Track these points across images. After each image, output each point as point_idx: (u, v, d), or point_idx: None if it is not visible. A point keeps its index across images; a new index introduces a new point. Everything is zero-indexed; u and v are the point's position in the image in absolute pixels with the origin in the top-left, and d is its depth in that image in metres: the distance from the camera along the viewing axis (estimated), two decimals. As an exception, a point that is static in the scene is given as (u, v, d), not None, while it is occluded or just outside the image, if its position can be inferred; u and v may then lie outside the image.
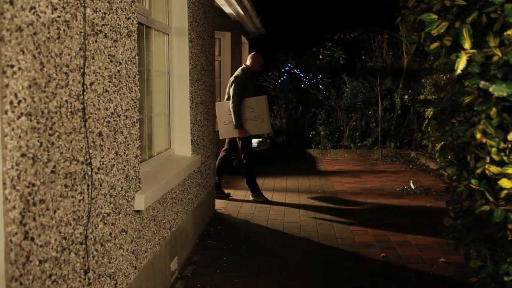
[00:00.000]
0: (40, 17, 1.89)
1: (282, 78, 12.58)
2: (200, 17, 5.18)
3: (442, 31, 2.01)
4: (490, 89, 1.79)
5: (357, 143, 11.70)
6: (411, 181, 8.01)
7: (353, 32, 12.89)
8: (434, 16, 2.03)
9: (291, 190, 7.74)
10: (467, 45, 1.88)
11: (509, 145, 1.85)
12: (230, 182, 8.24)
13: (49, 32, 1.96)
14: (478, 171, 1.97)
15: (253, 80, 6.85)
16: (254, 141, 7.88)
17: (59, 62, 2.05)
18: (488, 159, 1.92)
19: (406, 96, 11.60)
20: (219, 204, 6.64)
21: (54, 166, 2.02)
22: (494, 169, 1.87)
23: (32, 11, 1.84)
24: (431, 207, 6.51)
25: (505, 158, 1.85)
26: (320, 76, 12.49)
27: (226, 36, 9.59)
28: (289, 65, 12.67)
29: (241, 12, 9.14)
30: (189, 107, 4.70)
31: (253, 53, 6.94)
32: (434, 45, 2.09)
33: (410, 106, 11.60)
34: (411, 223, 5.72)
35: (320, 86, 12.42)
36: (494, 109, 1.87)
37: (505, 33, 1.77)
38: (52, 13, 1.99)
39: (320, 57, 12.45)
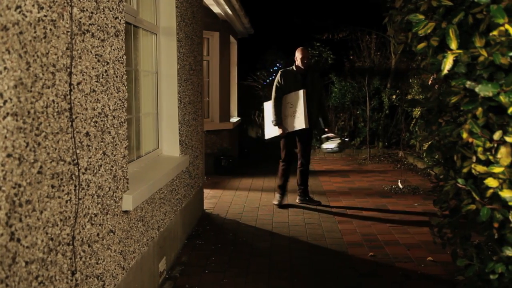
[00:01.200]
0: (26, 16, 1.87)
1: (270, 78, 12.58)
2: (189, 17, 5.17)
3: (429, 31, 2.02)
4: (476, 89, 1.80)
5: (346, 143, 11.72)
6: (399, 181, 8.06)
7: (341, 32, 12.93)
8: (421, 17, 2.04)
9: (279, 190, 7.73)
10: (453, 45, 1.89)
11: (495, 145, 1.86)
12: (219, 182, 8.23)
13: (35, 32, 1.95)
14: (465, 170, 1.99)
15: (297, 77, 6.40)
16: (329, 146, 6.88)
17: (45, 61, 2.03)
18: (474, 158, 1.93)
19: (394, 96, 11.65)
20: (208, 204, 6.63)
21: (41, 167, 2.01)
22: (480, 168, 1.89)
23: (18, 10, 1.82)
24: (419, 206, 6.55)
25: (491, 157, 1.87)
26: (309, 76, 12.48)
27: (215, 36, 9.57)
28: (278, 65, 12.68)
29: (230, 12, 9.13)
30: (177, 107, 4.68)
31: (298, 48, 6.60)
32: (421, 45, 2.11)
33: (398, 106, 11.65)
34: (399, 223, 5.75)
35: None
36: (480, 109, 1.88)
37: (490, 34, 1.79)
38: (38, 12, 1.97)
39: (309, 57, 12.45)
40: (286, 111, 6.37)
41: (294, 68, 6.47)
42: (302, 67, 6.40)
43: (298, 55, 6.47)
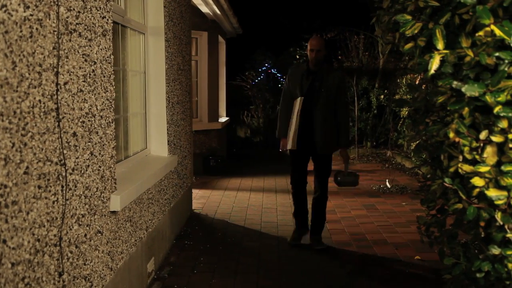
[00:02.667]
0: (11, 16, 1.86)
1: (259, 78, 12.59)
2: (177, 17, 5.16)
3: (416, 31, 2.03)
4: (463, 89, 1.82)
5: (334, 143, 11.75)
6: (387, 180, 8.10)
7: (329, 32, 12.96)
8: (408, 17, 2.05)
9: (268, 190, 7.74)
10: (440, 45, 1.91)
11: (481, 144, 1.88)
12: (207, 182, 8.22)
13: (21, 31, 1.93)
14: (452, 169, 2.00)
15: (304, 77, 4.84)
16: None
17: (32, 61, 2.02)
18: (461, 158, 1.95)
19: (382, 96, 11.71)
20: (196, 204, 6.62)
21: (27, 167, 1.99)
22: (466, 167, 1.90)
23: (4, 9, 1.80)
24: (407, 206, 6.59)
25: (477, 157, 1.88)
26: (297, 76, 12.51)
27: (203, 36, 9.55)
28: (266, 65, 12.69)
29: (218, 11, 9.12)
30: (165, 107, 4.67)
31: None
32: (409, 45, 2.12)
33: (386, 105, 11.72)
34: (387, 222, 5.78)
35: (297, 86, 12.44)
36: (466, 109, 1.89)
37: (476, 34, 1.80)
38: (25, 12, 1.95)
39: (297, 57, 12.50)
40: (289, 122, 4.95)
41: (306, 65, 4.90)
42: (313, 64, 4.81)
43: (308, 45, 4.88)
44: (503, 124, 1.81)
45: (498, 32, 1.73)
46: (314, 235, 4.97)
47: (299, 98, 4.81)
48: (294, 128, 4.85)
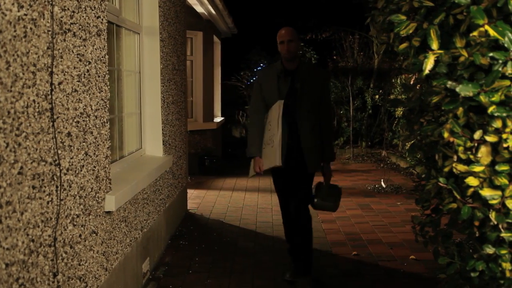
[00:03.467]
0: (5, 15, 1.85)
1: (254, 78, 12.58)
2: (172, 16, 5.15)
3: (410, 32, 2.04)
4: (457, 89, 1.82)
5: (329, 143, 11.77)
6: (382, 180, 8.11)
7: (324, 32, 12.98)
8: (403, 17, 2.06)
9: (263, 189, 7.75)
10: (434, 45, 1.91)
11: (475, 144, 1.88)
12: (202, 182, 8.21)
13: (15, 31, 1.92)
14: (446, 169, 2.01)
15: (280, 78, 3.92)
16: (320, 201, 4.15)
17: (26, 61, 2.01)
18: (455, 157, 1.95)
19: (377, 96, 11.73)
20: (191, 204, 6.61)
21: (21, 167, 1.98)
22: (461, 167, 1.91)
23: (-2, 8, 1.80)
24: (402, 205, 6.60)
25: (471, 156, 1.89)
26: (292, 76, 12.53)
27: (198, 36, 9.54)
28: (262, 64, 12.68)
29: (213, 11, 9.11)
30: (160, 107, 4.66)
31: None
32: (403, 45, 2.12)
33: (381, 105, 11.74)
34: (382, 222, 5.79)
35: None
36: (461, 109, 1.90)
37: (471, 34, 1.80)
38: (19, 11, 1.94)
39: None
40: (266, 135, 3.98)
41: (280, 64, 3.97)
42: (287, 59, 3.91)
43: (277, 37, 3.95)
44: (497, 124, 1.81)
45: (492, 32, 1.74)
46: (303, 276, 3.97)
47: (278, 101, 3.83)
48: (278, 139, 3.84)
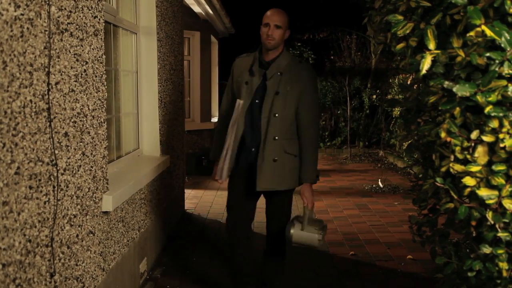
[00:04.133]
0: (2, 15, 1.84)
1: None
2: (169, 16, 5.14)
3: (407, 32, 2.04)
4: (454, 89, 1.82)
5: (327, 143, 11.79)
6: (379, 180, 8.12)
7: (322, 32, 13.00)
8: (400, 17, 2.06)
9: (261, 189, 7.73)
10: (431, 45, 1.91)
11: (472, 144, 1.89)
12: (200, 182, 8.20)
13: (11, 31, 1.92)
14: (443, 169, 2.01)
15: (254, 70, 3.22)
16: (302, 234, 3.15)
17: (22, 61, 2.00)
18: (452, 157, 1.95)
19: (374, 96, 11.75)
20: (189, 204, 6.60)
21: (18, 167, 1.98)
22: (458, 167, 1.91)
23: (-6, 8, 1.79)
24: (399, 205, 6.61)
25: (468, 156, 1.89)
26: (290, 76, 12.54)
27: (195, 36, 9.53)
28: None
29: (210, 11, 9.10)
30: (158, 107, 4.66)
31: None
32: (400, 45, 2.12)
33: (378, 105, 11.76)
34: (380, 221, 5.80)
35: (290, 86, 12.47)
36: (458, 109, 1.90)
37: (467, 34, 1.81)
38: (15, 11, 1.94)
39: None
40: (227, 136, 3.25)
41: (258, 54, 3.27)
42: (267, 48, 3.18)
43: (262, 20, 3.24)
44: (494, 124, 1.82)
45: (489, 32, 1.74)
46: None
47: (238, 102, 3.18)
48: (228, 152, 3.19)
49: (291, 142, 3.18)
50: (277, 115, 3.12)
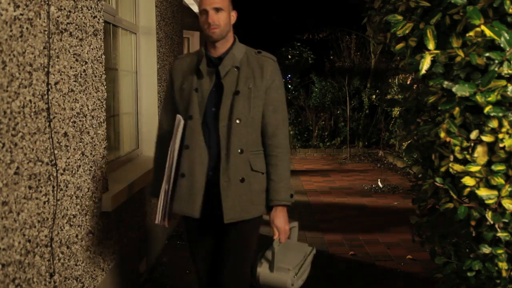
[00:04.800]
0: (1, 15, 1.84)
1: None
2: (168, 16, 5.14)
3: (407, 32, 2.04)
4: (453, 89, 1.82)
5: (326, 143, 11.80)
6: (379, 180, 8.12)
7: (321, 32, 13.00)
8: (399, 17, 2.06)
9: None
10: (431, 46, 1.91)
11: (472, 144, 1.89)
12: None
13: (11, 30, 1.91)
14: (443, 169, 2.01)
15: (210, 73, 2.46)
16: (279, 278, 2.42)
17: (22, 61, 2.00)
18: (452, 157, 1.96)
19: (374, 96, 11.75)
20: (189, 204, 6.59)
21: (18, 167, 1.98)
22: (457, 167, 1.91)
23: (-6, 8, 1.79)
24: (399, 205, 6.61)
25: (468, 156, 1.89)
26: (289, 76, 12.56)
27: (195, 36, 9.53)
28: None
29: (210, 11, 9.10)
30: (157, 107, 4.65)
31: None
32: (400, 45, 2.12)
33: (378, 105, 11.76)
34: (379, 221, 5.80)
35: (289, 86, 12.48)
36: (457, 109, 1.90)
37: (467, 35, 1.81)
38: (15, 11, 1.94)
39: (289, 57, 12.51)
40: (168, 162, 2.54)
41: (203, 50, 2.53)
42: (213, 45, 2.50)
43: (199, 5, 2.47)
44: (494, 124, 1.82)
45: (488, 32, 1.74)
46: None
47: (178, 118, 2.46)
48: (169, 180, 2.48)
49: (258, 156, 2.48)
50: (240, 120, 2.38)
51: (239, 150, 2.39)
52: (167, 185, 2.48)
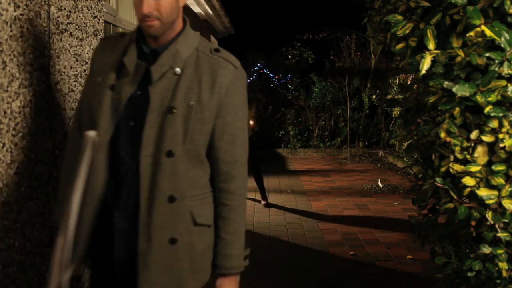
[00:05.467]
0: (2, 15, 1.84)
1: (251, 78, 12.58)
2: (169, 16, 5.14)
3: (407, 32, 2.04)
4: (454, 89, 1.82)
5: (326, 143, 11.80)
6: (379, 180, 8.12)
7: (321, 32, 13.01)
8: (400, 17, 2.06)
9: (261, 189, 7.74)
10: (431, 46, 1.92)
11: (472, 144, 1.89)
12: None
13: (11, 30, 1.91)
14: (443, 169, 2.01)
15: (138, 71, 1.66)
16: None
17: (22, 61, 2.00)
18: (452, 157, 1.96)
19: (374, 96, 11.76)
20: (189, 204, 6.60)
21: (18, 168, 1.98)
22: (457, 167, 1.91)
23: (-6, 8, 1.79)
24: (399, 205, 6.61)
25: (468, 156, 1.90)
26: (289, 76, 12.55)
27: (195, 36, 9.53)
28: (259, 65, 12.68)
29: (210, 11, 9.10)
30: (157, 107, 4.65)
31: None
32: (400, 45, 2.13)
33: (378, 105, 11.76)
34: (379, 221, 5.80)
35: (289, 86, 12.48)
36: (457, 109, 1.90)
37: (467, 35, 1.81)
38: (15, 11, 1.94)
39: (289, 57, 12.51)
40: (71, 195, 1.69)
41: (136, 36, 1.73)
42: (149, 35, 1.66)
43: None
44: (494, 124, 1.82)
45: (488, 32, 1.74)
46: None
47: (89, 133, 1.66)
48: (70, 219, 1.65)
49: (204, 202, 1.73)
50: (172, 153, 1.61)
51: (171, 197, 1.62)
52: (67, 227, 1.66)
